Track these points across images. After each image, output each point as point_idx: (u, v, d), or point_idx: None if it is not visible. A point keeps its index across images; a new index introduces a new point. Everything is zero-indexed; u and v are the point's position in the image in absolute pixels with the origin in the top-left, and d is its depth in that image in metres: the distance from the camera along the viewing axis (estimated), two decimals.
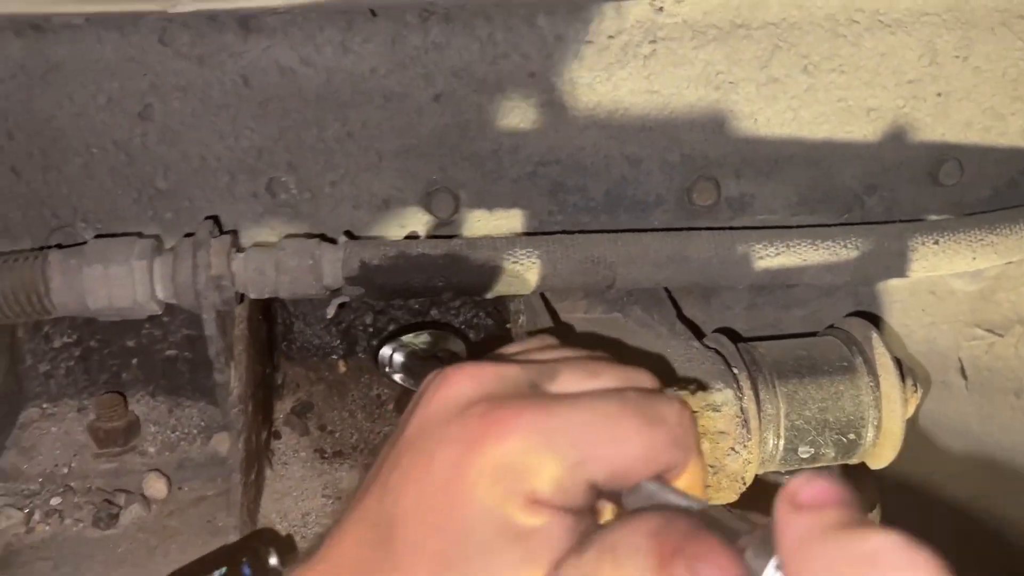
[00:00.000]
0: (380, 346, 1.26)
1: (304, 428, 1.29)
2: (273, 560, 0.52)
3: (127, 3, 0.97)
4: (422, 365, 1.29)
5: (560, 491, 0.46)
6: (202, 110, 1.12)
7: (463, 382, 0.50)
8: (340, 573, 0.49)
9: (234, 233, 1.13)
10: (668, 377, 1.03)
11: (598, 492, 0.47)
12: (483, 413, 0.47)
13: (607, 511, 0.50)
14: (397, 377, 1.31)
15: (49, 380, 1.37)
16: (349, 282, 1.07)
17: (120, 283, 1.01)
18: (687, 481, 0.50)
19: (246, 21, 1.08)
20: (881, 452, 1.08)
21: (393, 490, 0.48)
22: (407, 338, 1.27)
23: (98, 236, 1.11)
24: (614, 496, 0.48)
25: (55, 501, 1.19)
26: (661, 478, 0.48)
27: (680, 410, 0.50)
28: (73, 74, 1.09)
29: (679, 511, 0.43)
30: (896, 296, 1.34)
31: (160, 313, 1.09)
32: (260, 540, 0.54)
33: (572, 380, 0.52)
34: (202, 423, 1.34)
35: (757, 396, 1.03)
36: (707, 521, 0.42)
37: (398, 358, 1.31)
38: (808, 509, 0.37)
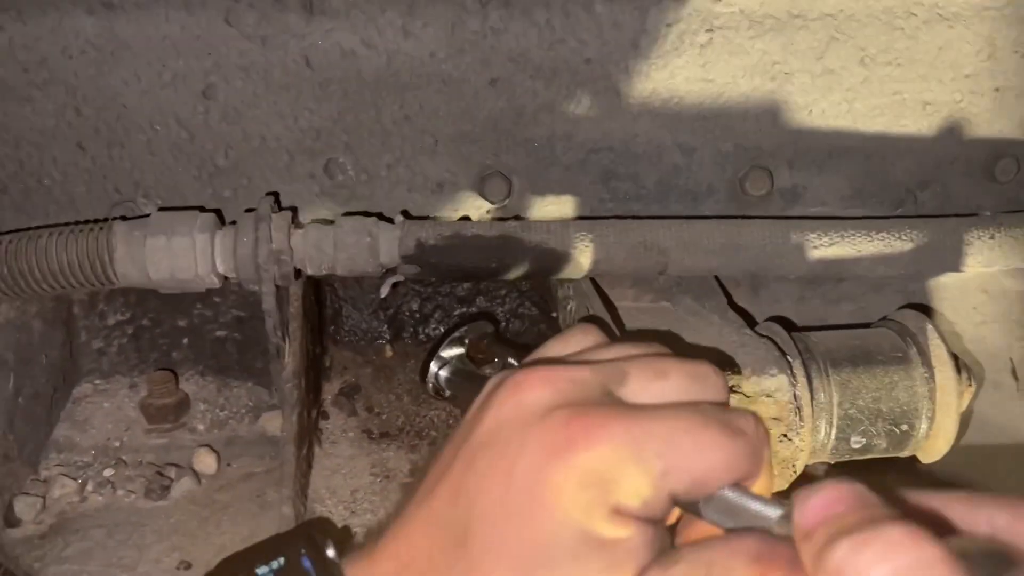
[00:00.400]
0: (426, 366, 1.27)
1: (352, 409, 1.30)
2: (331, 552, 0.52)
3: None
4: (467, 380, 1.29)
5: (645, 502, 0.46)
6: (264, 90, 1.14)
7: (538, 387, 0.50)
8: (410, 572, 0.49)
9: (294, 209, 1.14)
10: (721, 363, 1.03)
11: (676, 501, 0.48)
12: (568, 420, 0.47)
13: (674, 515, 0.51)
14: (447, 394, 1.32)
15: (102, 357, 1.40)
16: (405, 260, 1.08)
17: (182, 255, 1.03)
18: (757, 489, 0.49)
19: (310, 3, 1.10)
20: (934, 445, 1.07)
21: (468, 492, 0.48)
22: (447, 354, 1.28)
23: (159, 210, 1.13)
24: (691, 505, 0.48)
25: (108, 472, 1.21)
26: (738, 485, 0.48)
27: (756, 422, 0.50)
28: (140, 52, 1.11)
29: (779, 538, 0.43)
30: (947, 294, 1.33)
31: (219, 287, 1.10)
32: (316, 530, 0.54)
33: (642, 381, 0.52)
34: (250, 403, 1.35)
35: (810, 384, 1.03)
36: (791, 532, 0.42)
37: (444, 375, 1.31)
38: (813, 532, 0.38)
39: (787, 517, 0.43)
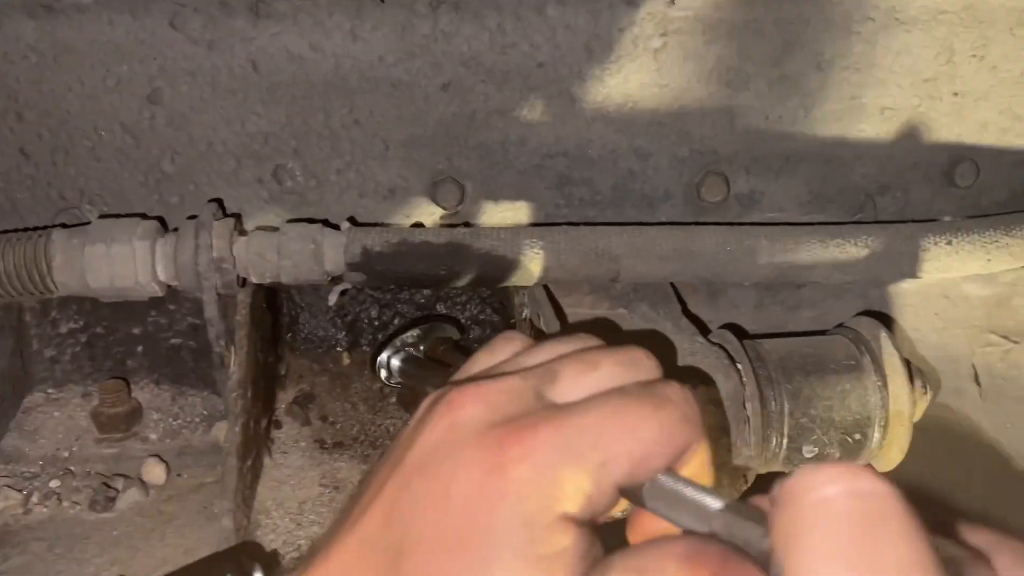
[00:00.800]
0: (377, 353, 1.25)
1: (305, 418, 1.28)
2: (258, 575, 0.50)
3: None
4: (420, 368, 1.27)
5: (588, 498, 0.45)
6: (210, 95, 1.12)
7: (469, 405, 0.49)
8: None
9: (237, 216, 1.12)
10: (671, 370, 1.01)
11: (621, 493, 0.47)
12: (500, 436, 0.46)
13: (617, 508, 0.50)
14: (396, 382, 1.30)
15: (55, 365, 1.37)
16: (351, 268, 1.07)
17: (122, 263, 1.01)
18: (697, 464, 0.49)
19: (256, 7, 1.08)
20: (888, 454, 1.05)
21: (403, 515, 0.47)
22: (401, 340, 1.26)
23: (102, 217, 1.11)
24: (635, 497, 0.47)
25: (54, 484, 1.19)
26: (674, 472, 0.48)
27: (681, 388, 0.50)
28: (83, 56, 1.09)
29: (710, 537, 0.42)
30: (908, 300, 1.32)
31: (162, 296, 1.08)
32: (246, 553, 0.52)
33: (573, 377, 0.51)
34: (204, 412, 1.33)
35: (761, 392, 1.01)
36: (732, 526, 0.41)
37: (395, 363, 1.29)
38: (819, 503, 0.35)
39: (729, 509, 0.42)
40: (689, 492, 0.46)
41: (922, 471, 1.19)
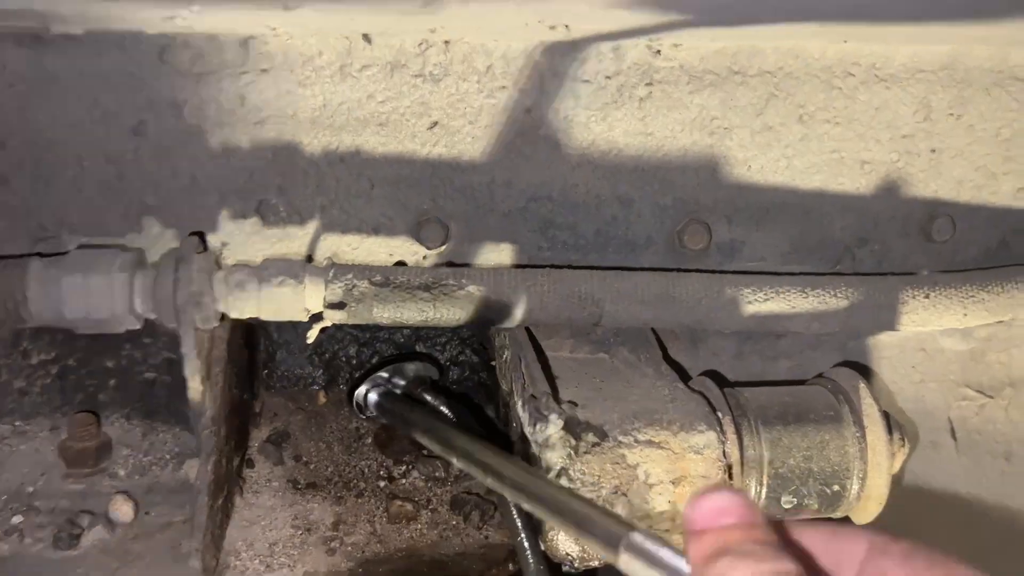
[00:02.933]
0: (354, 387, 1.24)
1: (279, 457, 1.26)
2: None
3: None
4: (397, 405, 1.26)
5: None
6: (196, 128, 1.12)
7: None
8: None
9: (219, 250, 1.12)
10: (649, 418, 1.01)
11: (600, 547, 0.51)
12: None
13: None
14: (371, 416, 1.29)
15: (24, 397, 1.34)
16: (331, 307, 1.06)
17: (99, 294, 1.00)
18: None
19: (247, 42, 1.09)
20: (866, 506, 1.05)
21: None
22: (380, 375, 1.25)
23: (81, 247, 1.10)
24: (612, 552, 0.51)
25: (16, 520, 1.15)
26: (650, 532, 0.50)
27: None
28: (70, 86, 1.09)
29: None
30: (885, 352, 1.33)
31: (139, 328, 1.07)
32: None
33: None
34: (176, 448, 1.31)
35: (741, 441, 1.01)
36: None
37: (373, 397, 1.28)
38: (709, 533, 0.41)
39: None
40: (664, 553, 0.48)
41: (896, 524, 1.19)
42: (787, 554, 0.40)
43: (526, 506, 0.82)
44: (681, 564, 0.46)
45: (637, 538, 0.50)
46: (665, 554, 0.48)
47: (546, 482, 0.76)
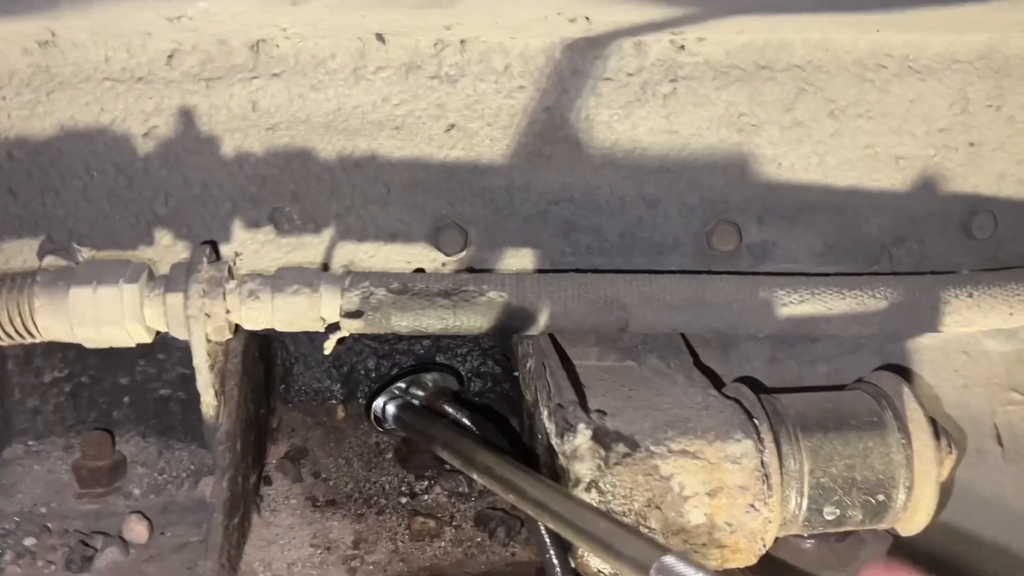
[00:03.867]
0: (372, 398, 1.20)
1: (297, 474, 1.22)
2: None
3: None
4: (417, 417, 1.22)
5: None
6: (207, 135, 1.09)
7: None
8: None
9: (232, 260, 1.08)
10: (683, 427, 0.96)
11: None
12: None
13: None
14: (390, 428, 1.25)
15: (36, 416, 1.32)
16: (348, 316, 1.02)
17: (108, 306, 0.97)
18: None
19: (257, 45, 1.06)
20: (913, 516, 1.00)
21: None
22: (399, 387, 1.21)
23: (90, 259, 1.07)
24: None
25: (29, 542, 1.12)
26: (683, 555, 0.48)
27: None
28: (78, 94, 1.06)
29: None
30: (926, 355, 1.27)
31: (150, 343, 1.03)
32: None
33: None
34: (192, 467, 1.27)
35: (779, 449, 0.96)
36: None
37: (391, 410, 1.24)
38: None
39: None
40: None
41: (942, 538, 1.13)
42: None
43: (549, 525, 0.78)
44: None
45: (669, 561, 0.46)
46: None
47: (571, 499, 0.71)
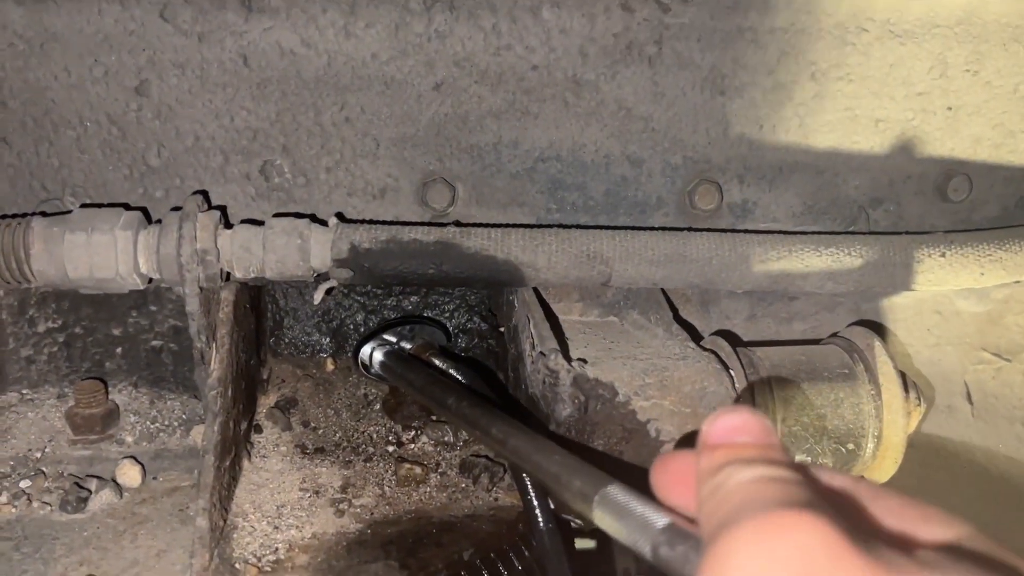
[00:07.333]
0: (360, 345, 1.23)
1: (287, 423, 1.25)
2: None
3: None
4: (402, 365, 1.24)
5: None
6: (199, 88, 1.11)
7: None
8: None
9: (223, 209, 1.10)
10: (660, 375, 0.99)
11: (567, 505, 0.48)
12: None
13: None
14: (375, 374, 1.27)
15: (31, 365, 1.34)
16: (338, 264, 1.04)
17: (102, 252, 0.99)
18: None
19: (248, 0, 1.07)
20: (881, 465, 1.03)
21: None
22: (387, 336, 1.23)
23: (84, 206, 1.09)
24: (586, 508, 0.51)
25: (24, 484, 1.15)
26: (625, 485, 0.50)
27: None
28: (71, 45, 1.08)
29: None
30: (900, 314, 1.30)
31: (142, 288, 1.06)
32: None
33: None
34: (183, 416, 1.30)
35: (753, 399, 0.99)
36: (671, 543, 0.43)
37: (378, 356, 1.26)
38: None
39: (671, 529, 0.43)
40: (637, 506, 0.46)
41: (912, 489, 1.17)
42: (792, 465, 0.39)
43: (511, 459, 0.80)
44: (657, 518, 0.44)
45: (612, 491, 0.48)
46: (641, 507, 0.46)
47: (527, 434, 0.74)
